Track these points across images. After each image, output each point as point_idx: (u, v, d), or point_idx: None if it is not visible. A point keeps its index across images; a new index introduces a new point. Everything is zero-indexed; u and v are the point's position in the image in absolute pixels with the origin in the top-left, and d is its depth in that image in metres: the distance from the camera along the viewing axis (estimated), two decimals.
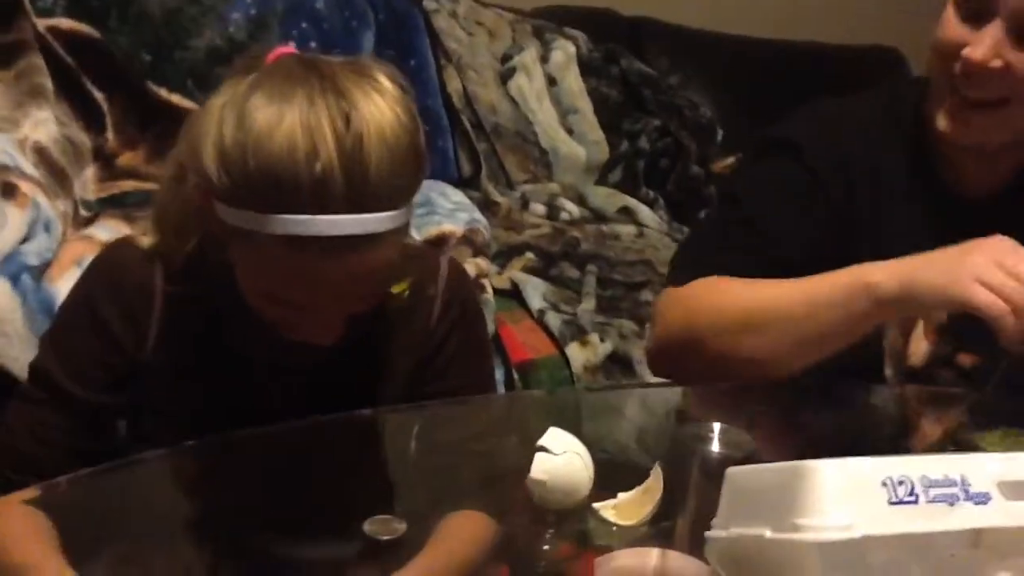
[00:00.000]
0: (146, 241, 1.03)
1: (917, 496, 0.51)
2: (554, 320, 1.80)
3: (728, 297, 1.05)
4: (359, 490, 0.91)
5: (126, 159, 2.07)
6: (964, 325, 1.08)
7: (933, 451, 0.97)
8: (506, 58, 2.54)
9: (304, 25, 2.38)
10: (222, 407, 1.04)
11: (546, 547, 0.74)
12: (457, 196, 2.10)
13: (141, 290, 1.03)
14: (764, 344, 1.02)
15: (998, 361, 1.05)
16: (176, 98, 2.17)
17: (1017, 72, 1.02)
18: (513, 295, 1.91)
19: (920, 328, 1.12)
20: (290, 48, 0.97)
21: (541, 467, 0.74)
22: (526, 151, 2.48)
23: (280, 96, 0.86)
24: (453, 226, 1.93)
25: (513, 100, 2.51)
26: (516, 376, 1.72)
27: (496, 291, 1.88)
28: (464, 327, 1.15)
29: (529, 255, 2.03)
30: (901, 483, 0.51)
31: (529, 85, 2.53)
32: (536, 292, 1.86)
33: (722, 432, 0.98)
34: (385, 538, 0.72)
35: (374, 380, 1.11)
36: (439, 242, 1.90)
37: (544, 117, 2.51)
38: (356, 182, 0.85)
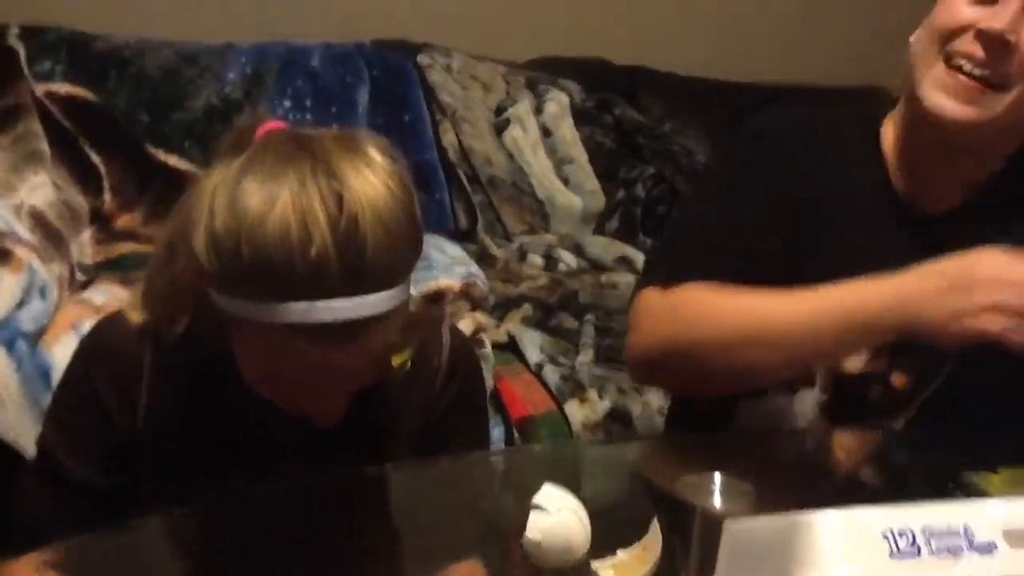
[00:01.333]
0: (136, 317, 1.02)
1: (919, 548, 0.50)
2: (552, 375, 1.79)
3: (724, 311, 1.05)
4: (359, 548, 0.89)
5: (124, 221, 2.07)
6: (901, 345, 1.09)
7: (933, 495, 0.95)
8: (500, 110, 2.56)
9: (300, 83, 2.40)
10: (217, 479, 1.02)
11: None
12: (454, 250, 2.10)
13: (131, 367, 1.01)
14: (761, 359, 1.03)
15: (925, 387, 1.06)
16: (174, 159, 2.18)
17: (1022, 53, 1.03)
18: (511, 348, 1.90)
19: None
20: (280, 124, 0.93)
21: (536, 526, 0.72)
22: (522, 202, 2.49)
23: (271, 179, 0.84)
24: (450, 280, 1.92)
25: (508, 152, 2.52)
26: (516, 433, 1.70)
27: (494, 345, 1.87)
28: (467, 397, 1.14)
29: (527, 307, 2.03)
30: (902, 535, 0.50)
31: (524, 136, 2.54)
32: (534, 345, 1.85)
33: (723, 483, 0.96)
34: None
35: (375, 450, 1.09)
36: (437, 297, 1.89)
37: (540, 168, 2.52)
38: (353, 265, 0.83)
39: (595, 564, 0.73)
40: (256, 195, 0.83)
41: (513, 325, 1.93)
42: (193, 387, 1.02)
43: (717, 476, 0.98)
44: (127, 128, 2.16)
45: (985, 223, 1.09)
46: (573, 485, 0.81)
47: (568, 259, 2.38)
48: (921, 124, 1.10)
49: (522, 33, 2.74)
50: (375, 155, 0.88)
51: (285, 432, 1.02)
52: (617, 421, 1.74)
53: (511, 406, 1.73)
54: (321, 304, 0.82)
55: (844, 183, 1.15)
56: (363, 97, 2.45)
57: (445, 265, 2.00)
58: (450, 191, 2.45)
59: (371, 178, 0.86)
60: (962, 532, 0.51)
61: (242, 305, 0.85)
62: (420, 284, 1.93)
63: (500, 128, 2.54)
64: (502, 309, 2.05)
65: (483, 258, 2.27)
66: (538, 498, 0.74)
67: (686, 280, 1.08)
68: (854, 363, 1.11)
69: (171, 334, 0.99)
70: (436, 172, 2.43)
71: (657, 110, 2.78)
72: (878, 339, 0.99)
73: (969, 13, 1.06)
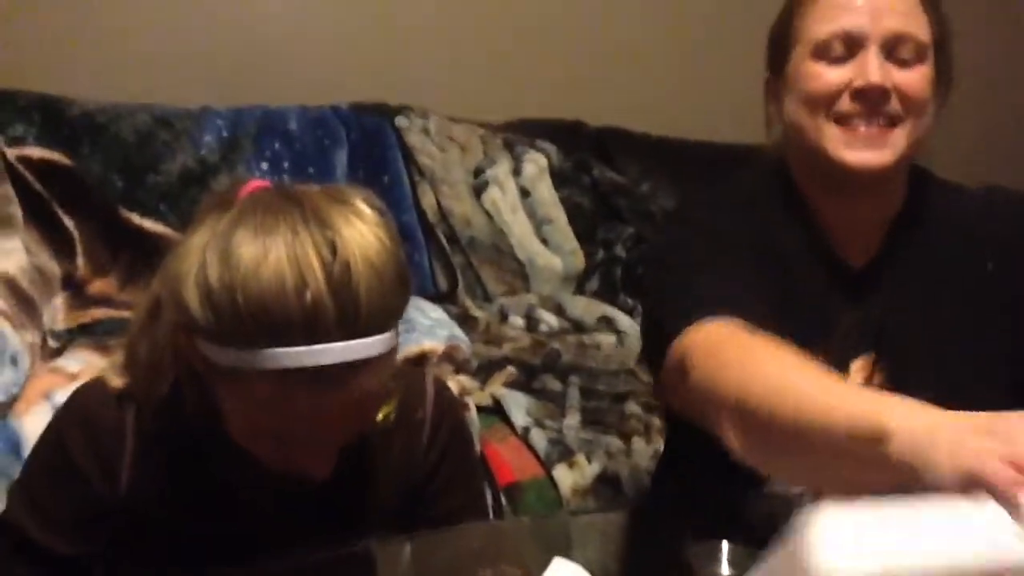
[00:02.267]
0: (117, 382, 1.01)
1: None
2: (539, 440, 1.76)
3: (755, 375, 0.92)
4: None
5: (97, 287, 2.03)
6: (888, 365, 1.12)
7: None
8: (479, 171, 2.55)
9: (277, 146, 2.39)
10: (202, 544, 1.00)
11: None
12: (435, 312, 2.08)
13: (114, 434, 1.01)
14: (770, 449, 0.90)
15: None
16: (148, 223, 2.15)
17: (907, 91, 1.09)
18: (496, 412, 1.86)
19: None
20: (264, 182, 0.96)
21: None
22: (502, 263, 2.47)
23: (264, 230, 0.85)
24: (433, 343, 1.90)
25: (487, 213, 2.51)
26: (503, 499, 1.66)
27: (479, 408, 1.84)
28: (456, 451, 1.14)
29: (511, 369, 2.00)
30: None
31: (503, 197, 2.53)
32: (519, 408, 1.82)
33: (730, 551, 0.94)
34: None
35: (364, 506, 1.07)
36: (420, 360, 1.87)
37: (519, 229, 2.51)
38: (347, 310, 0.84)
39: None
40: (250, 245, 0.84)
41: (497, 388, 1.90)
42: (178, 451, 1.01)
43: (724, 544, 0.95)
44: (101, 192, 2.13)
45: (902, 269, 1.14)
46: (573, 556, 0.78)
47: (549, 320, 2.36)
48: (830, 179, 1.13)
49: (499, 95, 2.75)
50: (362, 206, 0.91)
51: (272, 492, 1.01)
52: (607, 485, 1.71)
53: (498, 471, 1.69)
54: (316, 348, 0.83)
55: (782, 246, 1.17)
56: (341, 159, 2.44)
57: (428, 328, 1.98)
58: (429, 253, 2.44)
59: (361, 227, 0.88)
60: None
61: (236, 355, 0.85)
62: (403, 347, 1.88)
63: (479, 189, 2.53)
64: (485, 371, 2.02)
65: (464, 320, 2.24)
66: (549, 573, 0.71)
67: (708, 316, 1.02)
68: (854, 379, 1.13)
69: (154, 398, 0.99)
70: (415, 234, 2.41)
71: (633, 171, 2.79)
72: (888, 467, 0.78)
73: (836, 76, 1.11)
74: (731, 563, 0.93)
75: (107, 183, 2.16)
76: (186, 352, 0.91)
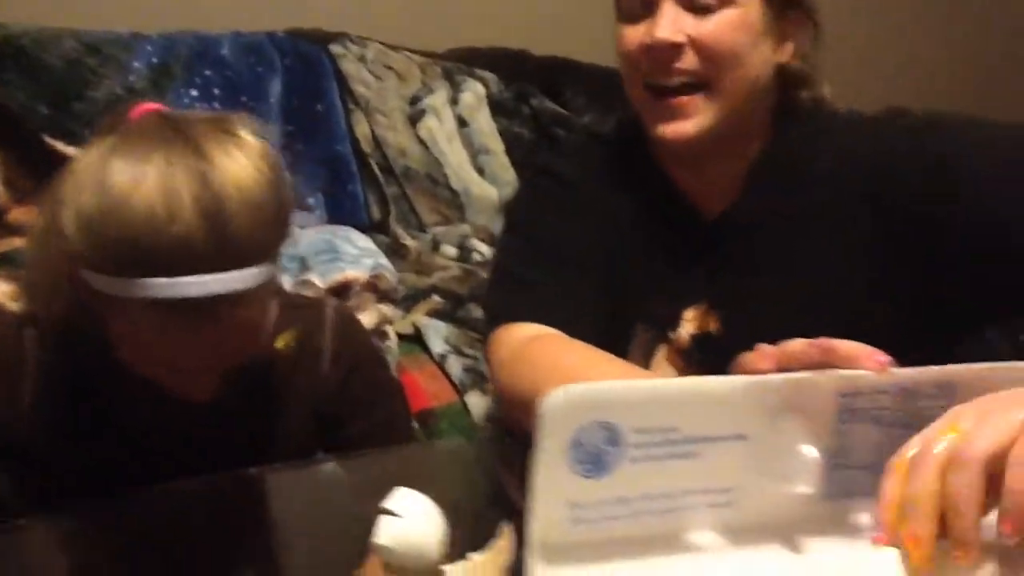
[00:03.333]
0: (16, 306, 1.01)
1: None
2: (455, 366, 1.78)
3: (551, 372, 0.98)
4: (231, 555, 0.88)
5: (17, 215, 2.02)
6: (708, 355, 1.08)
7: None
8: (415, 100, 2.54)
9: (208, 73, 2.36)
10: (108, 470, 1.01)
11: None
12: (363, 241, 2.09)
13: (13, 358, 1.01)
14: None
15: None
16: (73, 150, 2.11)
17: (706, 42, 1.00)
18: (417, 340, 1.89)
19: (662, 352, 1.11)
20: (154, 104, 0.95)
21: (386, 531, 0.72)
22: (437, 193, 2.48)
23: (139, 158, 0.85)
24: (357, 272, 1.91)
25: (423, 142, 2.50)
26: (416, 425, 1.69)
27: (400, 336, 1.86)
28: (361, 375, 1.15)
29: (435, 298, 2.01)
30: None
31: (439, 127, 2.53)
32: (438, 336, 1.84)
33: None
34: None
35: (270, 435, 1.09)
36: (343, 289, 1.88)
37: (455, 159, 2.51)
38: (218, 242, 0.85)
39: (448, 568, 0.73)
40: (123, 174, 0.85)
41: (418, 317, 1.92)
42: (78, 374, 1.02)
43: None
44: (25, 120, 2.11)
45: (753, 216, 1.08)
46: (440, 485, 0.80)
47: (482, 249, 2.38)
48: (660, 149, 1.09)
49: (439, 23, 2.72)
50: (247, 137, 0.91)
51: (171, 415, 1.02)
52: None
53: (413, 398, 1.72)
54: (185, 279, 0.84)
55: (625, 202, 1.13)
56: (275, 87, 2.42)
57: (353, 257, 1.99)
58: (363, 183, 2.43)
59: (240, 159, 0.88)
60: None
61: (109, 282, 0.86)
62: (327, 276, 1.91)
63: (415, 119, 2.52)
64: (412, 301, 2.04)
65: (395, 249, 2.25)
66: (389, 502, 0.73)
67: (521, 319, 1.06)
68: (686, 329, 1.10)
69: (51, 321, 0.99)
70: (348, 164, 2.41)
71: (578, 102, 2.78)
72: None
73: (633, 35, 1.04)
74: None
75: (32, 110, 2.14)
76: (76, 276, 0.91)
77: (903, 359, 0.68)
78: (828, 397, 0.67)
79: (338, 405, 1.13)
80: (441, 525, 0.74)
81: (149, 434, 1.05)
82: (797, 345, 0.68)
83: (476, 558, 0.73)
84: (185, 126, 0.89)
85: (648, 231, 1.12)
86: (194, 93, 2.32)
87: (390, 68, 2.56)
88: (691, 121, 1.02)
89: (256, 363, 1.03)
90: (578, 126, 2.68)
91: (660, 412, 0.63)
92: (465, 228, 2.44)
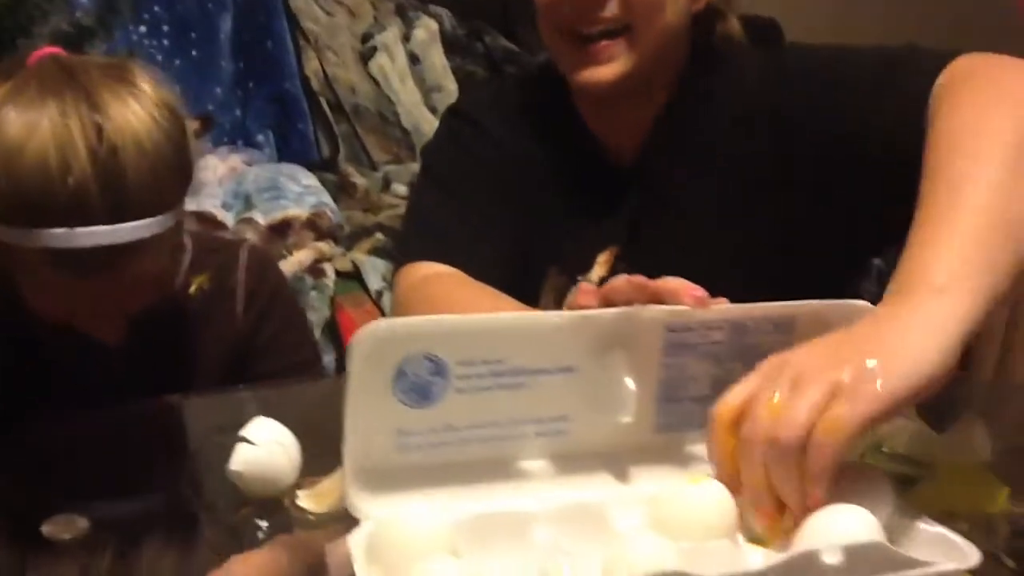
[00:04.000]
0: None
1: None
2: (391, 301, 1.81)
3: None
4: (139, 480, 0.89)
5: None
6: (638, 256, 1.06)
7: None
8: (366, 37, 2.53)
9: (157, 9, 2.35)
10: (22, 412, 1.03)
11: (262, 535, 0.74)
12: (308, 179, 2.10)
13: None
14: None
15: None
16: None
17: None
18: (357, 277, 1.91)
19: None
20: (54, 49, 0.94)
21: (240, 458, 0.74)
22: (387, 132, 2.48)
23: (32, 107, 0.85)
24: (298, 210, 1.93)
25: (374, 80, 2.50)
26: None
27: (340, 274, 1.88)
28: (276, 311, 1.16)
29: (378, 236, 2.03)
30: None
31: (391, 65, 2.52)
32: (376, 273, 1.86)
33: None
34: (67, 537, 0.72)
35: (186, 376, 1.11)
36: (283, 226, 1.90)
37: (407, 97, 2.51)
38: (113, 193, 0.84)
39: (300, 493, 0.76)
40: (15, 123, 0.84)
41: (357, 254, 1.93)
42: None
43: None
44: None
45: (664, 159, 1.09)
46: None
47: None
48: (582, 92, 1.09)
49: None
50: (143, 85, 0.90)
51: (87, 358, 1.03)
52: None
53: (347, 334, 1.75)
54: (80, 230, 0.83)
55: (537, 145, 1.13)
56: (225, 24, 2.41)
57: (296, 195, 2.00)
58: (313, 120, 2.43)
59: (136, 108, 0.87)
60: None
61: (5, 231, 0.85)
62: (268, 214, 1.93)
63: (366, 56, 2.52)
64: (356, 238, 2.06)
65: (343, 188, 2.26)
66: (246, 430, 0.76)
67: (423, 258, 1.08)
68: (597, 272, 1.09)
69: None
70: (298, 101, 2.41)
71: (533, 39, 2.77)
72: None
73: None
74: None
75: None
76: None
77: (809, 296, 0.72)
78: (655, 331, 0.69)
79: (251, 345, 1.14)
80: (295, 453, 0.76)
81: (65, 377, 1.06)
82: (618, 282, 0.70)
83: (325, 483, 0.75)
84: (81, 73, 0.88)
85: (562, 176, 1.13)
86: (143, 30, 2.31)
87: (341, 4, 2.54)
88: (610, 67, 1.02)
89: (168, 306, 1.04)
90: (531, 64, 2.67)
91: (485, 345, 0.66)
92: (415, 167, 2.44)
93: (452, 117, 1.21)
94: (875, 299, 0.76)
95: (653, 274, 0.90)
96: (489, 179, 1.13)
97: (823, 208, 1.04)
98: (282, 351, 1.17)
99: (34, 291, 0.94)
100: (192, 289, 1.10)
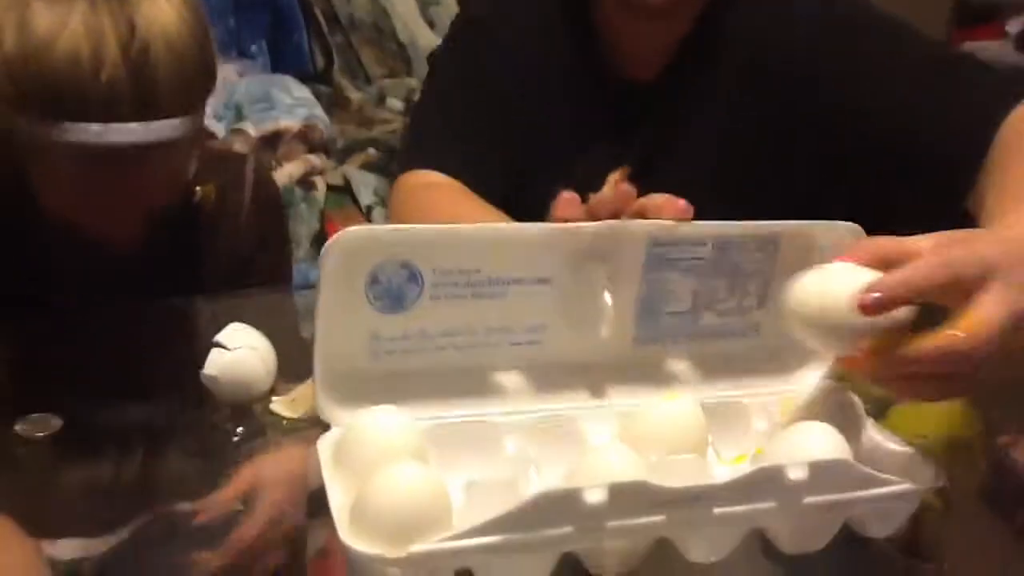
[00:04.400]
0: None
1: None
2: (380, 217, 1.80)
3: (425, 212, 1.04)
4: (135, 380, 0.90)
5: None
6: (650, 176, 1.11)
7: None
8: None
9: None
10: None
11: (236, 439, 0.74)
12: (300, 91, 2.07)
13: None
14: None
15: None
16: None
17: None
18: (348, 191, 1.89)
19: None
20: None
21: (214, 363, 0.74)
22: (383, 45, 2.44)
23: (60, 2, 0.83)
24: (290, 122, 1.91)
25: None
26: None
27: (331, 187, 1.87)
28: (272, 233, 1.18)
29: (371, 151, 2.01)
30: None
31: None
32: (367, 188, 1.85)
33: None
34: (39, 435, 0.72)
35: (194, 285, 1.11)
36: (274, 138, 1.88)
37: (403, 8, 2.46)
38: (144, 90, 0.83)
39: (274, 399, 0.76)
40: (45, 17, 0.83)
41: (348, 168, 1.92)
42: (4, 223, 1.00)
43: None
44: None
45: (686, 86, 1.09)
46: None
47: None
48: (626, 3, 1.07)
49: None
50: None
51: (97, 266, 1.02)
52: None
53: None
54: (114, 127, 0.83)
55: (552, 58, 1.12)
56: None
57: (287, 106, 1.97)
58: (308, 32, 2.39)
59: (163, 5, 0.86)
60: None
61: (37, 128, 0.85)
62: (259, 125, 1.90)
63: None
64: (348, 152, 2.03)
65: (337, 101, 2.24)
66: (220, 336, 0.75)
67: (424, 166, 1.07)
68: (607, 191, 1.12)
69: None
70: (293, 11, 2.36)
71: None
72: None
73: None
74: None
75: None
76: None
77: None
78: (637, 245, 0.68)
79: (246, 263, 1.15)
80: (270, 359, 0.76)
81: (71, 282, 1.06)
82: (604, 193, 0.69)
83: (299, 389, 0.75)
84: None
85: (575, 92, 1.12)
86: None
87: None
88: None
89: (179, 214, 1.04)
90: None
91: (461, 254, 0.65)
92: (411, 82, 2.41)
93: (464, 25, 1.19)
94: None
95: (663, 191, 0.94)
96: (495, 92, 1.11)
97: (815, 168, 1.05)
98: (262, 270, 1.18)
99: (51, 189, 0.93)
100: (202, 197, 1.10)
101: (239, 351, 0.74)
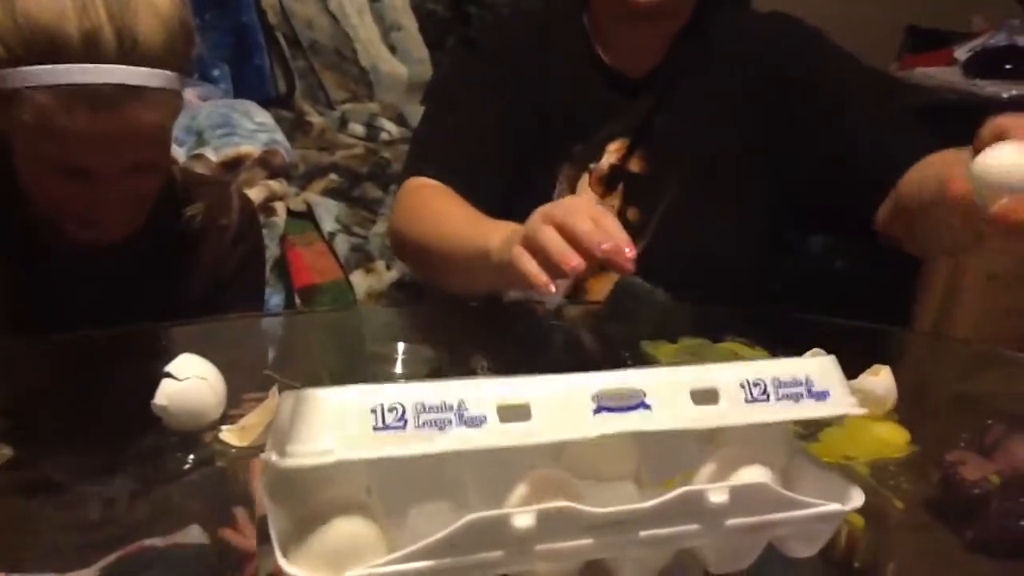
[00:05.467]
0: None
1: (406, 422, 0.52)
2: (343, 245, 1.81)
3: (422, 218, 1.12)
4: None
5: None
6: (632, 183, 1.23)
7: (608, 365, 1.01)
8: None
9: None
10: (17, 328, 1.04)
11: (187, 467, 0.76)
12: (261, 116, 2.08)
13: None
14: (434, 274, 1.15)
15: (652, 216, 1.22)
16: None
17: None
18: (309, 216, 1.90)
19: (584, 180, 1.24)
20: None
21: (164, 392, 0.75)
22: (345, 69, 2.45)
23: None
24: (251, 147, 1.92)
25: (332, 15, 2.46)
26: (298, 300, 1.72)
27: (292, 213, 1.88)
28: (251, 258, 1.22)
29: (332, 176, 2.02)
30: (392, 410, 0.52)
31: (350, 0, 2.49)
32: (329, 214, 1.86)
33: (406, 350, 1.01)
34: None
35: (178, 302, 1.13)
36: (235, 163, 1.88)
37: (365, 34, 2.48)
38: (126, 37, 0.90)
39: (224, 428, 0.77)
40: None
41: (310, 195, 1.93)
42: None
43: (400, 345, 1.03)
44: None
45: (677, 80, 1.23)
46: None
47: (390, 128, 2.37)
48: (618, 7, 1.21)
49: None
50: None
51: (83, 271, 1.06)
52: (406, 290, 1.77)
53: (296, 274, 1.75)
54: (91, 66, 0.89)
55: (556, 68, 1.25)
56: None
57: (248, 132, 1.98)
58: (270, 56, 2.40)
59: None
60: (455, 407, 0.53)
61: (15, 72, 0.89)
62: (220, 150, 1.91)
63: None
64: (309, 177, 2.05)
65: (299, 125, 2.24)
66: (171, 366, 0.77)
67: (421, 174, 1.17)
68: (607, 160, 1.25)
69: None
70: (255, 35, 2.37)
71: None
72: (498, 276, 0.93)
73: None
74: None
75: None
76: None
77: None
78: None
79: (227, 286, 1.18)
80: (220, 389, 0.77)
81: (66, 291, 1.08)
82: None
83: (248, 419, 0.76)
84: None
85: (574, 89, 1.25)
86: None
87: None
88: None
89: (168, 229, 1.09)
90: (492, 4, 2.65)
91: None
92: (373, 107, 2.42)
93: (462, 47, 1.31)
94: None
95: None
96: (492, 98, 1.23)
97: (789, 161, 1.21)
98: (236, 298, 1.20)
99: (37, 155, 0.95)
100: (190, 215, 1.14)
101: (188, 381, 0.76)
